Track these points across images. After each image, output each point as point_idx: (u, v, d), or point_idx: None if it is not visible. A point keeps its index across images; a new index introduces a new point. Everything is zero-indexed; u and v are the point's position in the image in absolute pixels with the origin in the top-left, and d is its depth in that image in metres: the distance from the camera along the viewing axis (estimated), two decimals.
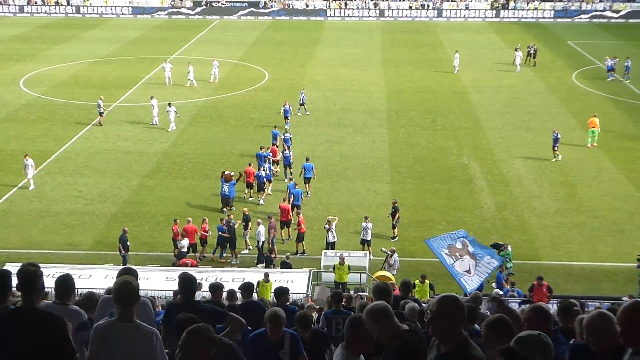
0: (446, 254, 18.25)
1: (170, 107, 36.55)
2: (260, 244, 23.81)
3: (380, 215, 27.29)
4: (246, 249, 24.93)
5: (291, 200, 26.32)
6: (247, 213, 25.09)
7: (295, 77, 49.66)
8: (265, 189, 28.54)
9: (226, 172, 28.06)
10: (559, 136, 32.80)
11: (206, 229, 24.14)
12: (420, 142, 36.46)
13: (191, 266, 22.52)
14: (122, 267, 7.70)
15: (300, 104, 39.63)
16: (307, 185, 29.50)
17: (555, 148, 32.87)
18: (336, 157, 34.09)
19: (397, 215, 25.44)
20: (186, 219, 24.87)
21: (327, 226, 24.37)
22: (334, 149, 35.19)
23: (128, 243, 23.17)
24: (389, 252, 22.50)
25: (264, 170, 28.59)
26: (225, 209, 27.41)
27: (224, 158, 34.06)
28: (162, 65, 46.61)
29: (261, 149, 30.74)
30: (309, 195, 29.46)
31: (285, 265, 22.38)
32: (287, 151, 30.38)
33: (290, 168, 30.33)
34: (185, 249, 23.90)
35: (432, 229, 27.28)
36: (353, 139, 36.62)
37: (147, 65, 50.60)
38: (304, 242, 24.99)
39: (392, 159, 33.99)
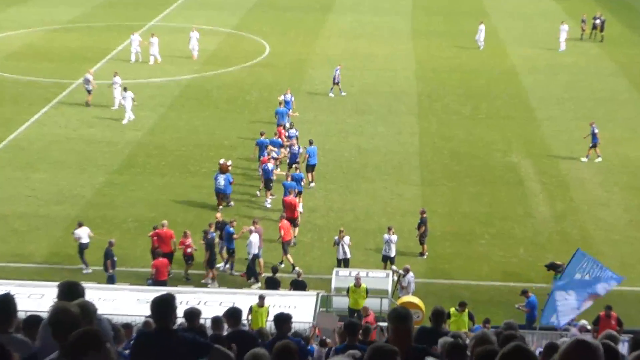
0: (578, 280, 17.63)
1: (125, 92, 36.48)
2: (251, 256, 23.97)
3: (407, 226, 27.39)
4: (223, 265, 25.27)
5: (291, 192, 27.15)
6: (220, 219, 25.27)
7: (302, 50, 49.93)
8: (273, 186, 29.19)
9: (222, 161, 28.52)
10: (596, 131, 32.71)
11: (187, 244, 24.29)
12: (458, 134, 36.72)
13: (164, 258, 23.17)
14: (66, 282, 7.48)
15: (335, 83, 40.35)
16: (311, 173, 30.25)
17: (594, 145, 32.71)
18: (353, 152, 34.41)
19: (422, 229, 25.63)
20: (161, 222, 25.24)
21: (337, 238, 24.52)
22: (350, 142, 35.57)
23: (115, 258, 23.51)
24: (401, 271, 22.70)
25: (272, 160, 29.40)
26: (221, 207, 28.01)
27: (212, 150, 34.13)
28: (131, 37, 46.75)
29: (262, 135, 31.24)
30: (312, 185, 30.24)
31: (298, 285, 22.37)
32: (295, 146, 30.87)
33: (296, 164, 30.69)
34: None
35: (472, 244, 27.32)
36: (374, 129, 36.96)
37: (119, 34, 50.72)
38: (289, 256, 25.30)
39: (423, 154, 34.36)
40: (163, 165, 32.94)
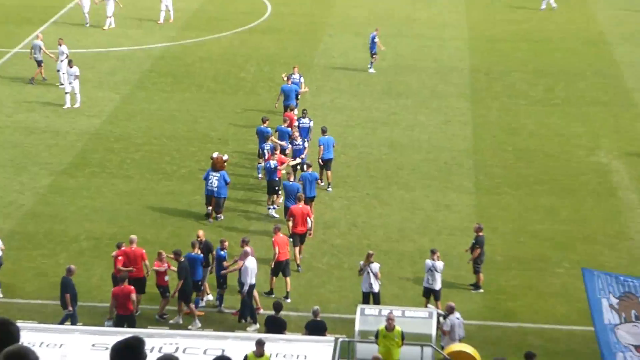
0: (610, 305, 18.52)
1: (71, 66, 36.63)
2: (246, 288, 24.26)
3: (457, 248, 27.35)
4: (203, 298, 25.48)
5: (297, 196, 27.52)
6: (202, 238, 25.32)
7: (316, 11, 49.97)
8: (280, 190, 29.63)
9: (215, 155, 28.87)
10: None
11: (161, 266, 24.53)
12: (526, 124, 36.82)
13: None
14: None
15: (372, 54, 41.03)
16: (326, 172, 30.91)
17: None
18: (383, 149, 34.42)
19: (477, 252, 25.86)
20: (129, 238, 25.14)
21: (363, 264, 24.52)
22: (380, 135, 35.58)
23: (76, 291, 23.67)
24: (440, 311, 23.12)
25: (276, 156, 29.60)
26: (212, 219, 28.67)
27: (195, 144, 34.24)
28: None
29: (264, 122, 31.62)
30: (330, 189, 30.78)
31: (314, 328, 22.41)
32: (298, 140, 31.18)
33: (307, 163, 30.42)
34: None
35: (545, 274, 27.20)
36: (412, 117, 36.90)
37: None
38: (289, 279, 25.65)
39: (478, 152, 34.43)
40: (128, 164, 32.93)
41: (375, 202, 31.05)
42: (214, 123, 36.27)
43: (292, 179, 28.53)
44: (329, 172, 31.05)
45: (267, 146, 30.39)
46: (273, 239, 25.66)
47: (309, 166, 29.37)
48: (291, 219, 26.88)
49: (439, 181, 32.31)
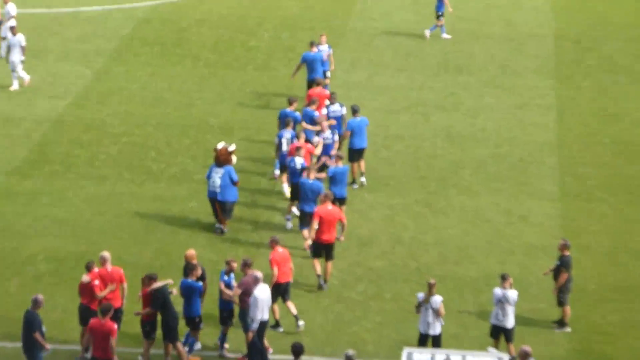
0: None
1: (14, 33, 37.09)
2: (255, 325, 24.00)
3: (536, 272, 27.25)
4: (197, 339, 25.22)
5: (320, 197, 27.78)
6: (193, 261, 25.04)
7: None
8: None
9: (220, 146, 29.17)
10: None
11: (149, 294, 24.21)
12: (628, 109, 37.10)
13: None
14: None
15: (439, 15, 41.88)
16: (357, 164, 31.14)
17: None
18: (438, 141, 34.65)
19: (563, 277, 25.58)
20: (100, 257, 24.76)
21: (421, 296, 24.20)
22: (434, 122, 35.73)
23: (45, 329, 23.34)
24: (503, 357, 22.58)
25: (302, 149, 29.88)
26: (220, 226, 29.08)
27: (189, 134, 34.52)
28: None
29: (291, 104, 32.18)
30: (364, 182, 31.22)
31: None
32: (326, 132, 31.39)
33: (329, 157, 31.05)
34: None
35: None
36: (477, 100, 37.33)
37: None
38: (291, 303, 25.78)
39: (564, 146, 34.57)
40: (102, 160, 33.05)
41: (426, 211, 31.02)
42: (215, 107, 36.34)
43: (312, 176, 28.63)
44: (361, 164, 31.15)
45: (287, 134, 30.45)
46: (270, 257, 25.67)
47: (339, 158, 29.52)
48: (316, 223, 26.97)
49: (512, 184, 32.25)
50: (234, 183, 29.09)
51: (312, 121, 31.83)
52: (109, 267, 24.60)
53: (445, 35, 41.48)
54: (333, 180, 28.94)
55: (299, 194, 28.62)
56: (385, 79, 38.53)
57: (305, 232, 28.12)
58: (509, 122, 35.71)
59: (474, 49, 41.05)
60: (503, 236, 29.90)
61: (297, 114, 31.72)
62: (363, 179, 31.42)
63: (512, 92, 37.68)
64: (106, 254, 24.79)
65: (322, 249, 27.09)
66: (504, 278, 24.54)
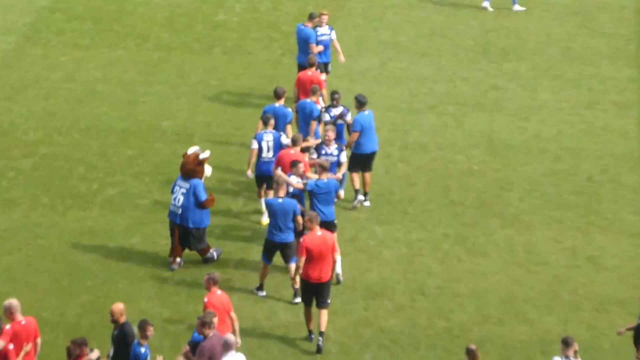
0: None
1: None
2: None
3: (608, 334, 24.96)
4: None
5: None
6: (121, 318, 23.25)
7: None
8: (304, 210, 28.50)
9: (191, 151, 28.08)
10: None
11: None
12: None
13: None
14: None
15: None
16: (360, 175, 29.81)
17: None
18: (475, 152, 32.81)
19: None
20: (6, 306, 22.58)
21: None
22: (470, 127, 33.96)
23: None
24: None
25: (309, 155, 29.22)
26: (175, 264, 27.46)
27: (131, 144, 32.70)
28: None
29: (279, 98, 30.89)
30: (366, 203, 29.80)
31: None
32: (333, 146, 29.65)
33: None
34: None
35: None
36: (529, 95, 35.38)
37: None
38: None
39: None
40: (10, 179, 31.32)
41: (459, 249, 28.40)
42: (169, 105, 34.84)
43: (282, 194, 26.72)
44: (368, 177, 29.35)
45: (268, 136, 28.72)
46: (205, 300, 23.89)
47: (323, 169, 27.29)
48: (304, 256, 24.82)
49: (578, 212, 29.97)
50: (199, 204, 26.80)
51: (310, 110, 30.49)
52: (21, 319, 22.77)
53: (486, 4, 39.68)
54: (316, 199, 26.81)
55: (271, 216, 26.81)
56: (402, 66, 36.99)
57: (292, 266, 26.35)
58: (573, 127, 33.46)
59: (525, 27, 39.16)
60: (564, 284, 27.22)
61: (289, 109, 30.02)
62: (366, 202, 29.55)
63: (577, 85, 35.70)
64: (13, 301, 22.81)
65: (312, 293, 24.85)
66: (566, 343, 22.56)
